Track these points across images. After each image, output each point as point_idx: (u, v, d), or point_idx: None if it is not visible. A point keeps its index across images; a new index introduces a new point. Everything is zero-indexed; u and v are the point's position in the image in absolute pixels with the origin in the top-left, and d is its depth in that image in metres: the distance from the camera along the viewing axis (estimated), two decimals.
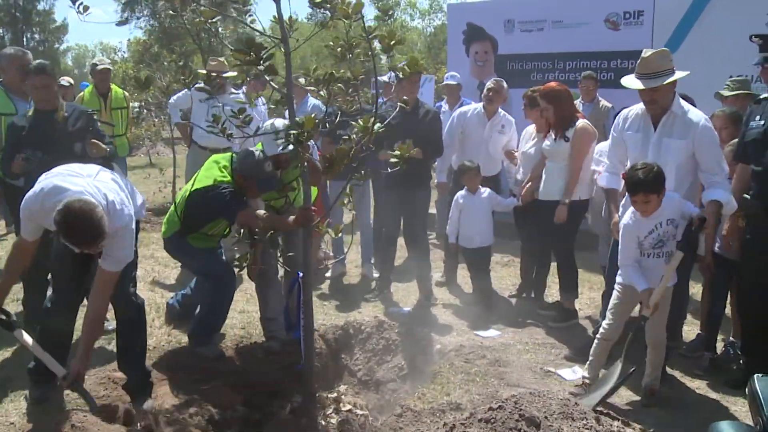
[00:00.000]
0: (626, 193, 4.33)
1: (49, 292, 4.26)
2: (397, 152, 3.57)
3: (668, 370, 4.61)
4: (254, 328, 5.32)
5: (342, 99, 3.63)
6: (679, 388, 4.49)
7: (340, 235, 3.80)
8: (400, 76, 3.59)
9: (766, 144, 4.22)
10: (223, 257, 5.01)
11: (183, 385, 4.26)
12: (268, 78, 3.38)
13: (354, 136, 3.54)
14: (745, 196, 4.43)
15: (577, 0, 8.82)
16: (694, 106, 4.59)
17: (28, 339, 3.85)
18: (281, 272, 5.37)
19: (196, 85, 3.85)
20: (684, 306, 5.10)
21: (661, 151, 4.36)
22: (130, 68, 22.84)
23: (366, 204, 7.03)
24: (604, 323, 4.38)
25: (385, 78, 7.15)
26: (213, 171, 4.62)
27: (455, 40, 9.97)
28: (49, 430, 3.53)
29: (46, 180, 3.65)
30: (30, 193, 3.64)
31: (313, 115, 3.38)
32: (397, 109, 3.76)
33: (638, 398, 4.28)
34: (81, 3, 3.54)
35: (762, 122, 4.28)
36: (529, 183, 5.78)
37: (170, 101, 8.05)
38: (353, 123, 3.57)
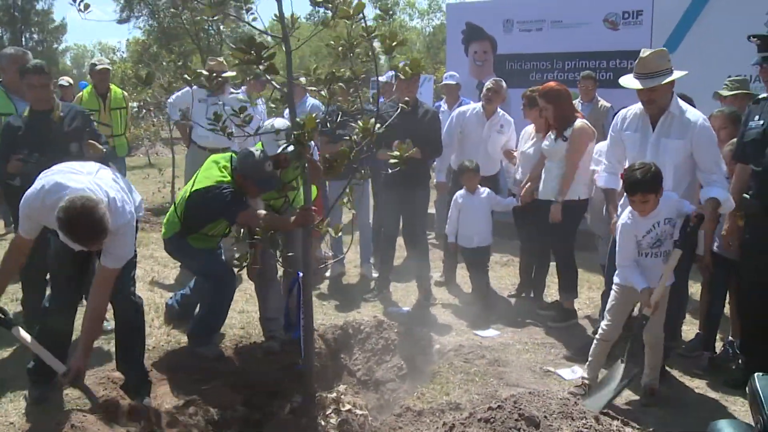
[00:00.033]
0: (623, 194, 4.34)
1: (48, 292, 4.26)
2: (397, 152, 3.57)
3: (667, 369, 4.61)
4: (254, 328, 5.32)
5: (343, 98, 3.62)
6: (679, 387, 4.50)
7: (339, 234, 3.79)
8: (402, 77, 3.57)
9: (766, 144, 4.22)
10: (223, 257, 5.01)
11: (183, 385, 4.26)
12: (269, 78, 3.37)
13: (355, 137, 3.54)
14: (745, 195, 4.44)
15: (576, 0, 8.82)
16: (693, 106, 4.60)
17: (26, 336, 3.85)
18: (280, 272, 5.37)
19: (197, 83, 3.84)
20: (683, 305, 5.11)
21: (659, 151, 4.37)
22: (128, 68, 22.85)
23: (365, 204, 7.03)
24: (603, 324, 4.39)
25: (383, 78, 7.16)
26: (212, 171, 4.62)
27: (454, 40, 9.98)
28: (48, 430, 3.53)
29: (46, 178, 3.66)
30: (30, 190, 3.64)
31: (314, 115, 3.38)
32: (398, 110, 3.75)
33: (637, 398, 4.28)
34: (82, 1, 3.54)
35: (761, 122, 4.29)
36: (529, 183, 5.79)
37: (169, 100, 8.05)
38: (354, 124, 3.56)
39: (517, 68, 9.29)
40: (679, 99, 4.47)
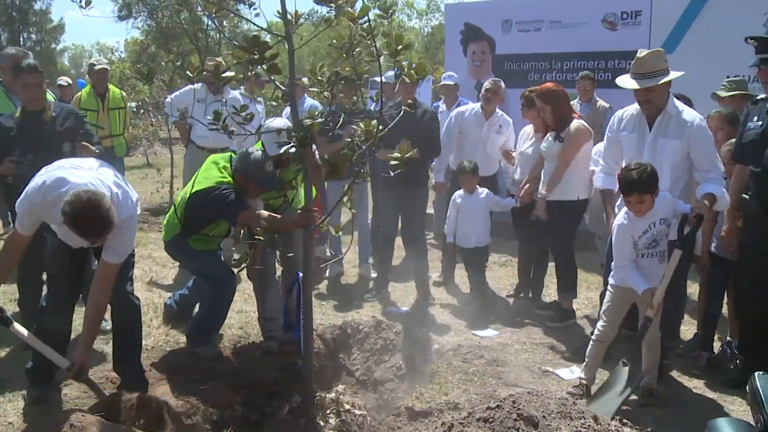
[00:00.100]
0: (621, 195, 4.35)
1: (45, 291, 4.26)
2: (397, 153, 3.57)
3: (665, 369, 4.61)
4: (252, 328, 5.32)
5: (346, 98, 3.61)
6: (677, 387, 4.50)
7: (340, 234, 3.79)
8: (407, 80, 3.56)
9: (764, 145, 4.23)
10: (222, 258, 5.01)
11: (181, 385, 4.25)
12: (272, 77, 3.36)
13: (356, 140, 3.54)
14: (744, 196, 4.44)
15: (575, 0, 8.83)
16: (692, 106, 4.61)
17: (26, 333, 3.84)
18: (279, 272, 5.38)
19: (200, 78, 3.83)
20: (681, 306, 5.12)
21: (656, 151, 4.38)
22: (127, 68, 22.82)
23: (364, 204, 7.03)
24: (599, 325, 4.39)
25: (381, 78, 7.14)
26: (212, 172, 4.61)
27: (453, 40, 9.99)
28: (47, 430, 3.52)
29: (47, 173, 3.66)
30: (31, 186, 3.64)
31: (316, 113, 3.38)
32: (401, 112, 3.75)
33: (636, 398, 4.29)
34: None
35: (760, 123, 4.30)
36: (528, 184, 5.79)
37: (167, 100, 8.05)
38: (355, 126, 3.56)
39: (515, 68, 9.30)
40: (675, 99, 4.49)
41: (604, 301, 4.41)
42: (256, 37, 3.18)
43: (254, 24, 3.50)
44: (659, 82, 4.28)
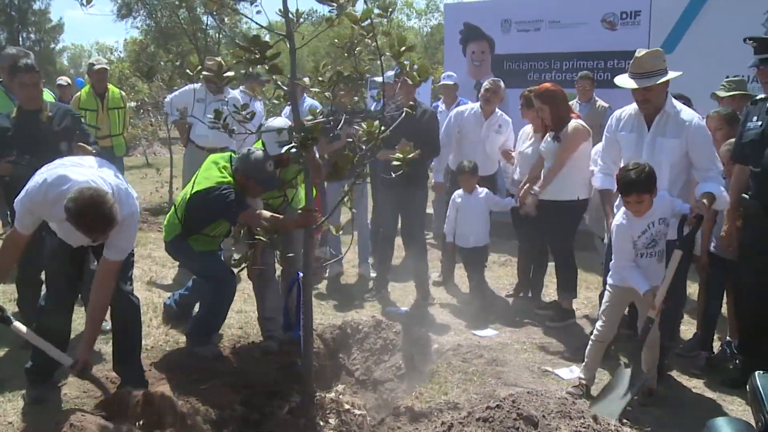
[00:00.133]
0: (619, 195, 4.35)
1: (44, 291, 4.26)
2: (399, 154, 3.55)
3: (664, 369, 4.62)
4: (252, 328, 5.32)
5: (346, 97, 3.60)
6: (676, 387, 4.51)
7: (340, 233, 3.79)
8: (409, 81, 3.56)
9: (764, 145, 4.23)
10: (222, 258, 5.01)
11: (181, 385, 4.25)
12: (274, 77, 3.35)
13: (357, 141, 3.53)
14: (744, 195, 4.44)
15: (574, 0, 8.83)
16: (691, 106, 4.61)
17: (28, 332, 3.84)
18: (278, 272, 5.37)
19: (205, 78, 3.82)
20: (681, 305, 5.12)
21: (654, 150, 4.39)
22: (126, 68, 22.81)
23: (363, 204, 7.03)
24: (598, 325, 4.39)
25: (380, 79, 7.14)
26: (212, 172, 4.61)
27: (452, 40, 9.98)
28: (47, 429, 3.53)
29: (48, 171, 3.66)
30: (32, 184, 3.64)
31: (317, 112, 3.37)
32: (403, 114, 3.74)
33: (636, 398, 4.28)
34: None
35: (759, 123, 4.30)
36: (527, 184, 5.79)
37: (166, 99, 8.05)
38: (356, 126, 3.55)
39: (515, 68, 9.30)
40: (673, 98, 4.50)
41: (603, 301, 4.41)
42: (256, 37, 3.17)
43: (255, 22, 3.49)
44: (657, 82, 4.29)
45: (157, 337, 5.11)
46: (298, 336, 4.33)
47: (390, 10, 3.18)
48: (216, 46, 29.69)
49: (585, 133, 5.48)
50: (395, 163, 3.53)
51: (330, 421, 3.79)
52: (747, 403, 4.00)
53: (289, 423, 3.77)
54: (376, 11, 3.15)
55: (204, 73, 3.91)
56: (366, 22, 3.15)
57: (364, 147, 3.50)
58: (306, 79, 3.68)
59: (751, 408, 2.61)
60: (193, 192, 4.60)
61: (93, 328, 3.85)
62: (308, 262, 3.87)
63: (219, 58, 7.64)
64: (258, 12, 3.31)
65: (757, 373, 2.57)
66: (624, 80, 4.44)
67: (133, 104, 15.24)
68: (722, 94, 5.96)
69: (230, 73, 3.55)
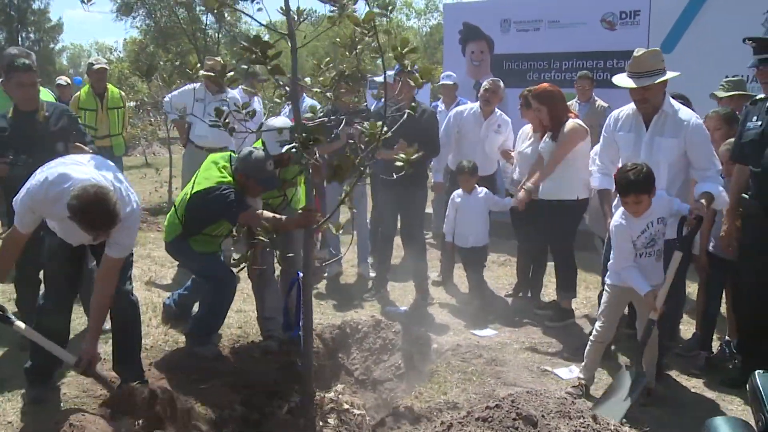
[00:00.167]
0: (617, 194, 4.35)
1: (42, 290, 4.26)
2: (403, 155, 3.54)
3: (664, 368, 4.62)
4: (251, 328, 5.32)
5: (347, 95, 3.58)
6: (676, 387, 4.51)
7: (340, 232, 3.79)
8: (411, 83, 3.54)
9: (764, 145, 4.23)
10: (222, 258, 5.01)
11: (181, 385, 4.25)
12: (276, 77, 3.34)
13: (358, 141, 3.52)
14: (744, 195, 4.44)
15: (574, 0, 8.83)
16: (690, 106, 4.60)
17: (31, 330, 3.83)
18: (277, 271, 5.37)
19: (200, 74, 3.81)
20: (681, 305, 5.13)
21: (653, 149, 4.40)
22: (126, 68, 22.82)
23: (363, 204, 7.04)
24: (597, 325, 4.39)
25: (381, 79, 7.14)
26: (212, 172, 4.60)
27: (451, 40, 9.98)
28: (47, 429, 3.53)
29: (49, 170, 3.66)
30: (32, 182, 3.64)
31: (318, 108, 3.35)
32: (405, 114, 3.74)
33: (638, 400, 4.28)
34: None
35: (759, 123, 4.30)
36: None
37: (165, 99, 8.06)
38: (357, 126, 3.54)
39: (514, 68, 9.30)
40: (671, 98, 4.50)
41: (602, 301, 4.41)
42: (257, 37, 3.16)
43: (255, 20, 3.48)
44: (656, 82, 4.29)
45: (157, 336, 5.11)
46: (297, 336, 4.33)
47: (390, 8, 3.17)
48: (215, 46, 29.71)
49: (582, 132, 5.49)
50: (398, 163, 3.51)
51: (329, 420, 3.78)
52: (746, 403, 4.01)
53: (289, 423, 3.77)
54: (376, 10, 3.14)
55: (203, 72, 3.90)
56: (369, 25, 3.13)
57: (364, 147, 3.49)
58: (307, 80, 3.67)
59: (751, 407, 2.61)
60: (193, 192, 4.59)
61: (96, 325, 3.86)
62: (308, 262, 3.87)
63: (218, 58, 7.66)
64: (259, 9, 3.29)
65: (757, 372, 2.57)
66: (622, 79, 4.44)
67: (132, 104, 15.25)
68: (721, 94, 5.96)
69: (231, 74, 3.54)
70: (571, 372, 4.67)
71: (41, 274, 4.53)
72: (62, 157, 3.86)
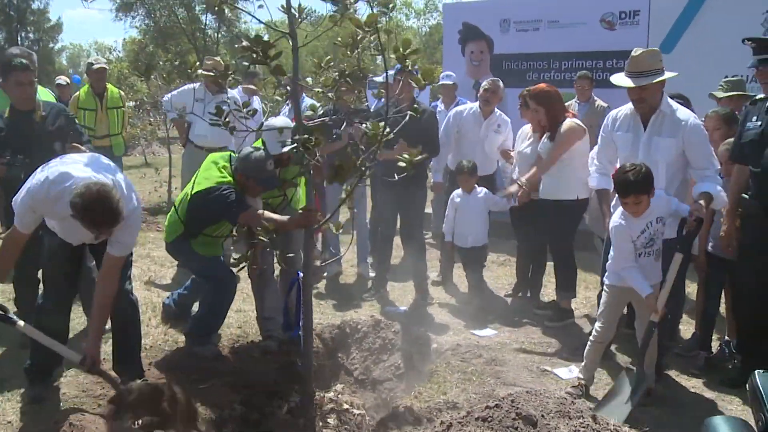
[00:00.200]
0: (616, 194, 4.35)
1: (41, 290, 4.25)
2: (406, 156, 3.53)
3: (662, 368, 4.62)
4: (251, 327, 5.32)
5: (347, 93, 3.57)
6: (675, 387, 4.51)
7: (340, 231, 3.79)
8: (413, 84, 3.54)
9: (764, 145, 4.23)
10: (222, 258, 5.01)
11: (181, 384, 4.25)
12: (278, 77, 3.33)
13: (360, 142, 3.52)
14: (744, 195, 4.45)
15: (573, 0, 8.83)
16: (690, 105, 4.60)
17: (33, 330, 3.83)
18: (277, 271, 5.37)
19: (199, 73, 3.80)
20: (680, 305, 5.13)
21: (651, 149, 4.40)
22: (125, 68, 22.82)
23: (362, 203, 7.04)
24: (597, 325, 4.39)
25: (380, 78, 7.14)
26: (212, 172, 4.60)
27: (451, 40, 9.98)
28: (47, 429, 3.53)
29: (50, 169, 3.66)
30: (33, 182, 3.63)
31: (317, 105, 3.35)
32: (407, 117, 3.74)
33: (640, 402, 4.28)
34: None
35: (759, 123, 4.30)
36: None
37: (164, 99, 8.06)
38: (357, 126, 3.53)
39: (514, 68, 9.30)
40: (669, 98, 4.50)
41: (601, 302, 4.41)
42: (258, 37, 3.16)
43: (256, 18, 3.47)
44: (653, 81, 4.30)
45: (156, 336, 5.11)
46: (297, 335, 4.33)
47: (391, 5, 3.17)
48: (215, 46, 29.72)
49: (580, 131, 5.48)
50: (401, 164, 3.50)
51: (329, 420, 3.79)
52: (746, 403, 4.02)
53: (289, 423, 3.77)
54: (377, 10, 3.14)
55: (204, 72, 3.89)
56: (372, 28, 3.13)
57: (365, 148, 3.48)
58: (309, 80, 3.67)
59: (751, 407, 2.61)
60: (193, 192, 4.59)
61: (99, 323, 3.86)
62: (308, 262, 3.87)
63: (218, 58, 7.66)
64: (260, 6, 3.28)
65: (757, 372, 2.57)
66: (620, 79, 4.45)
67: (131, 104, 15.25)
68: (720, 94, 5.96)
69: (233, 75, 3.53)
70: (571, 372, 4.67)
71: (40, 274, 4.53)
72: (62, 157, 3.86)
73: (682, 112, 4.40)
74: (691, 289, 5.62)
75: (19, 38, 41.58)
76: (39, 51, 40.41)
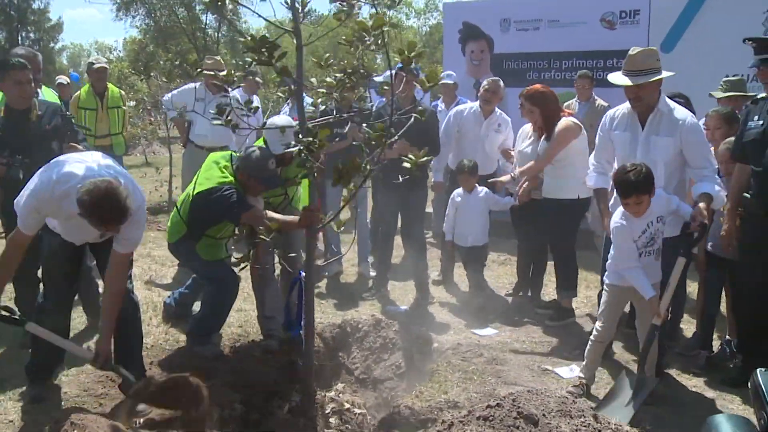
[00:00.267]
0: (614, 193, 4.34)
1: (42, 289, 4.25)
2: (411, 157, 3.53)
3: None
4: (251, 327, 5.32)
5: (350, 91, 3.55)
6: (676, 386, 4.51)
7: (341, 229, 3.78)
8: (417, 85, 3.54)
9: (765, 144, 4.23)
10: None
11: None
12: (286, 78, 3.32)
13: (363, 144, 3.52)
14: (745, 195, 4.44)
15: None
16: (691, 105, 4.60)
17: (43, 330, 3.82)
18: (277, 271, 5.37)
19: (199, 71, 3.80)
20: (682, 305, 5.13)
21: (649, 148, 4.41)
22: (125, 67, 22.81)
23: (363, 203, 7.04)
24: (597, 325, 4.39)
25: (380, 78, 7.14)
26: (213, 172, 4.59)
27: (451, 39, 9.97)
28: (48, 428, 3.53)
29: (52, 169, 3.65)
30: (36, 183, 3.62)
31: (318, 102, 3.34)
32: (412, 119, 3.73)
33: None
34: None
35: (761, 122, 4.30)
36: (526, 183, 5.79)
37: (164, 98, 8.06)
38: (366, 129, 3.52)
39: (514, 67, 9.29)
40: (666, 97, 4.51)
41: (601, 301, 4.42)
42: (264, 37, 3.15)
43: (259, 15, 3.45)
44: (650, 80, 4.30)
45: (157, 336, 5.12)
46: (298, 335, 4.33)
47: (398, 1, 3.16)
48: (215, 45, 29.71)
49: (576, 129, 5.47)
50: (405, 164, 3.50)
51: (330, 420, 3.78)
52: (747, 402, 4.02)
53: (289, 422, 3.77)
54: (379, 10, 3.13)
55: (205, 71, 3.89)
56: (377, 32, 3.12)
57: (369, 150, 3.48)
58: (313, 80, 3.66)
59: (753, 406, 2.62)
60: (195, 193, 4.58)
61: (110, 321, 3.86)
62: (310, 262, 3.86)
63: (218, 57, 7.66)
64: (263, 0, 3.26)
65: (759, 370, 2.58)
66: (617, 77, 4.45)
67: (132, 103, 15.25)
68: (719, 94, 5.96)
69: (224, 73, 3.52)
70: (572, 371, 4.67)
71: (39, 273, 4.52)
72: (62, 156, 3.85)
73: (680, 112, 4.40)
74: (692, 288, 5.62)
75: (19, 38, 41.58)
76: (39, 51, 40.38)
